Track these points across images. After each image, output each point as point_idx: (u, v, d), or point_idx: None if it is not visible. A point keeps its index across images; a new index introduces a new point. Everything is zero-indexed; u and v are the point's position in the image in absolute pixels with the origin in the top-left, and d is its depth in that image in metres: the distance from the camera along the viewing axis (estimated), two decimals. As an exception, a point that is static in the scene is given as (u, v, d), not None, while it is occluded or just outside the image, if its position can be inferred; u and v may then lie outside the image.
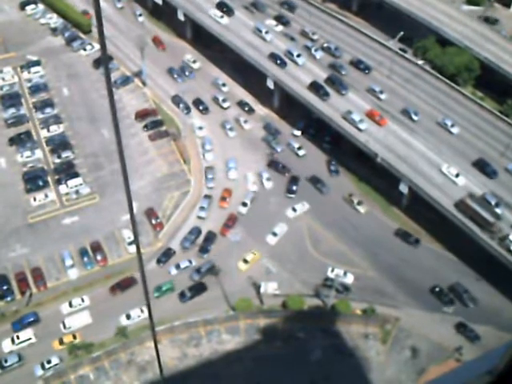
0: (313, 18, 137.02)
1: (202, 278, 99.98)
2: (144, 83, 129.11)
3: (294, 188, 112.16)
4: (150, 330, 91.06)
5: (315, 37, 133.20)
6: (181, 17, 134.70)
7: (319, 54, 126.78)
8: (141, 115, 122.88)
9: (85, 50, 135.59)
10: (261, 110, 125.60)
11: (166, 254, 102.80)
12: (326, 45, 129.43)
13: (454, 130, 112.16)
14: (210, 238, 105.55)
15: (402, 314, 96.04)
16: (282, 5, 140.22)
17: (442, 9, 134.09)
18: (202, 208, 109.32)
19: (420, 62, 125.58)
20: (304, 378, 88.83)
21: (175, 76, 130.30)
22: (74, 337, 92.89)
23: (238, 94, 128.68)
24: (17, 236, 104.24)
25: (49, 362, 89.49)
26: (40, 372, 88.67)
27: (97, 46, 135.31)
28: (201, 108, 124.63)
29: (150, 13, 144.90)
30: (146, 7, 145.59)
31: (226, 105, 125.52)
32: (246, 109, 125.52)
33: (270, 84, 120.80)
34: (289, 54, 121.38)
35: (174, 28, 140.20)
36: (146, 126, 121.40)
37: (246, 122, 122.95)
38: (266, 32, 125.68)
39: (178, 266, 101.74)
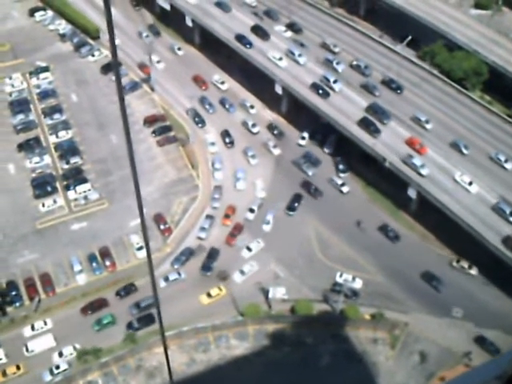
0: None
1: (141, 313, 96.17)
2: (152, 89, 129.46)
3: (296, 205, 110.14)
4: (160, 336, 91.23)
5: (337, 49, 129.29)
6: (189, 23, 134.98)
7: (341, 68, 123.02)
8: (149, 121, 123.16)
9: (93, 55, 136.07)
10: (269, 115, 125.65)
11: (127, 289, 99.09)
12: (355, 62, 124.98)
13: (508, 165, 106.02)
14: (213, 254, 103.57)
15: (410, 319, 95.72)
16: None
17: (450, 13, 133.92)
18: (202, 229, 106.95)
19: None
20: (313, 383, 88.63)
21: (207, 107, 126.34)
22: (18, 367, 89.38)
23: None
24: (25, 242, 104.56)
25: (57, 367, 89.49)
26: (48, 378, 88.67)
27: (105, 52, 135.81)
28: (227, 141, 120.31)
29: (157, 19, 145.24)
30: (154, 13, 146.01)
31: (255, 130, 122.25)
32: (276, 132, 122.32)
33: (279, 89, 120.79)
34: (325, 79, 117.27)
35: (183, 34, 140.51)
36: (154, 132, 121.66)
37: (275, 146, 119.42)
38: (300, 55, 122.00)
39: (166, 279, 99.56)
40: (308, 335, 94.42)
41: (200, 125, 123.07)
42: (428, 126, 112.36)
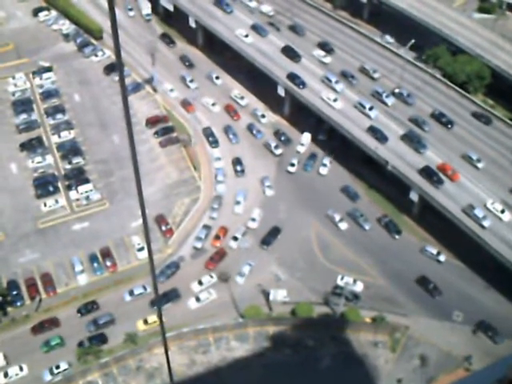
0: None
1: (98, 330, 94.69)
2: (155, 90, 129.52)
3: (271, 240, 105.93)
4: (161, 337, 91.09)
5: (376, 75, 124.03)
6: (192, 24, 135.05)
7: (391, 101, 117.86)
8: (152, 122, 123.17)
9: (96, 56, 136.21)
10: (271, 117, 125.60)
11: (88, 308, 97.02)
12: (397, 90, 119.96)
13: None
14: (170, 296, 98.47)
15: (411, 323, 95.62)
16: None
17: (453, 17, 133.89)
18: (198, 238, 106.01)
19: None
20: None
21: (231, 136, 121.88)
22: None
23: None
24: (27, 241, 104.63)
25: (57, 367, 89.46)
26: (49, 377, 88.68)
27: (108, 52, 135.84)
28: (238, 169, 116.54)
29: (161, 19, 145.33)
30: (157, 13, 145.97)
31: (278, 152, 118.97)
32: (282, 138, 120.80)
33: (281, 91, 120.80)
34: (360, 106, 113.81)
35: (186, 34, 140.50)
36: (156, 133, 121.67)
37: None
38: (337, 82, 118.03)
39: (131, 293, 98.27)
40: (308, 338, 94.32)
41: (213, 145, 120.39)
42: (480, 165, 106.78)
